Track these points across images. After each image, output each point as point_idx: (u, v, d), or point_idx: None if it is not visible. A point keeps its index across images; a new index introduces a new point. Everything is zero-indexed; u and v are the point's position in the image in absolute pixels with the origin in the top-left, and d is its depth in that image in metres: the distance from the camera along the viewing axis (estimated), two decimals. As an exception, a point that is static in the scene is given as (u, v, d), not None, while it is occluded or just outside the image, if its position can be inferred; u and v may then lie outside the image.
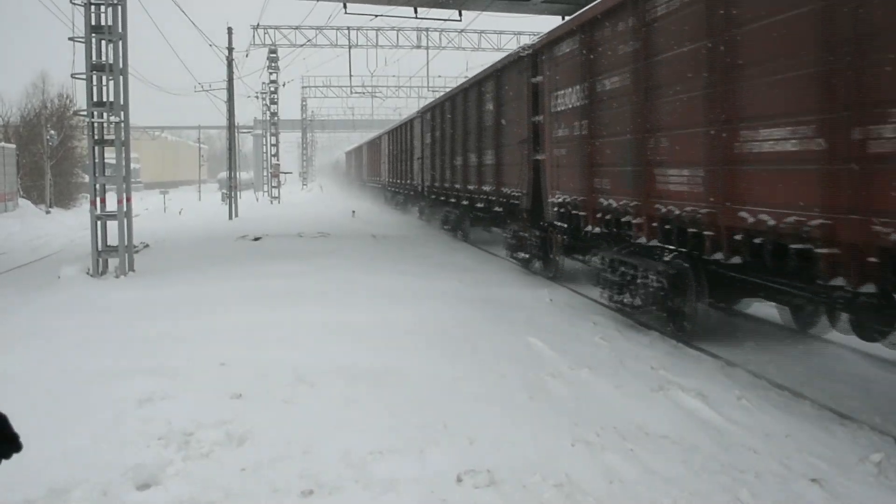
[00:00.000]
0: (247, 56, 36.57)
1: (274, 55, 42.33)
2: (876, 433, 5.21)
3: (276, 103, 44.89)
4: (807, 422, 5.42)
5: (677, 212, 7.43)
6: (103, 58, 12.91)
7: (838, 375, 6.84)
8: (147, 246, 17.12)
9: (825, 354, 7.59)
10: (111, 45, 12.83)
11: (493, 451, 4.65)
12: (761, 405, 5.73)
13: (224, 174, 43.86)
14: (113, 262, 13.24)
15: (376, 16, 24.03)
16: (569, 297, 10.81)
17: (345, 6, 21.18)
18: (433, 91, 47.68)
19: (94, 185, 13.20)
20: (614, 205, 8.87)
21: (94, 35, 12.82)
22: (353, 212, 30.44)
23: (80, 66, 12.92)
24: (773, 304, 7.95)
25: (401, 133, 29.55)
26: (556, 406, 5.64)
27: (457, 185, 18.61)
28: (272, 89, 44.57)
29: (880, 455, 4.67)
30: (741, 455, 4.74)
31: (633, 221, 8.37)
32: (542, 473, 4.34)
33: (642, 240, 8.24)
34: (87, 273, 12.89)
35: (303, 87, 60.51)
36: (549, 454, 4.64)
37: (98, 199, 13.24)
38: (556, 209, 10.98)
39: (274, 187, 44.78)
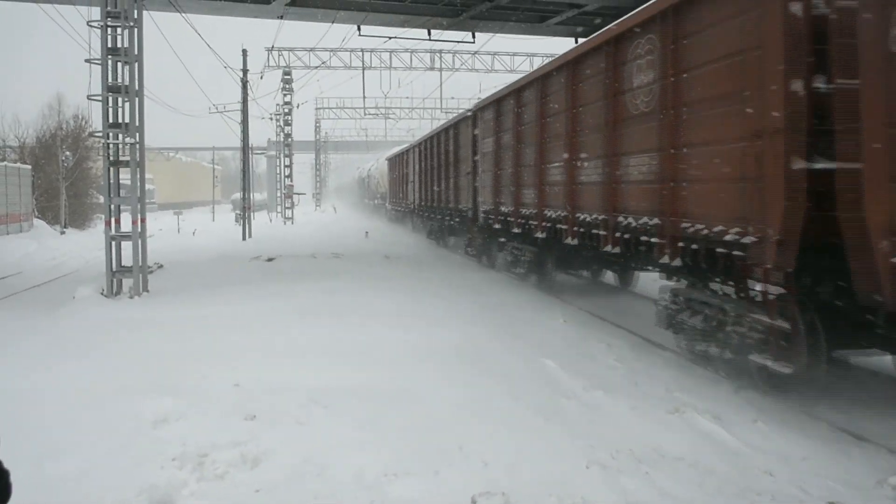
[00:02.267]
0: (261, 78, 36.85)
1: (288, 77, 42.76)
2: (894, 456, 5.16)
3: (289, 124, 45.31)
4: (824, 444, 5.38)
5: (526, 212, 13.08)
6: (119, 79, 13.07)
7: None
8: (161, 266, 17.19)
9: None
10: (127, 67, 12.99)
11: (508, 473, 4.63)
12: (777, 428, 5.69)
13: (238, 195, 44.20)
14: (127, 283, 13.32)
15: (390, 38, 24.19)
16: (584, 317, 10.84)
17: (359, 28, 21.35)
18: (446, 112, 47.86)
19: (109, 206, 13.28)
20: (505, 210, 14.57)
21: (110, 57, 12.97)
22: (367, 232, 30.55)
23: (96, 88, 13.07)
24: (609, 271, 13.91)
25: (399, 161, 35.04)
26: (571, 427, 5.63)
27: (434, 204, 24.21)
28: (286, 111, 45.00)
29: (899, 478, 4.62)
30: (757, 478, 4.71)
31: (510, 220, 14.07)
32: (557, 496, 4.32)
33: (515, 230, 13.82)
34: (102, 293, 12.95)
35: (316, 109, 60.98)
36: (564, 476, 4.61)
37: (113, 220, 13.31)
38: (482, 216, 16.77)
39: (287, 208, 45.01)
